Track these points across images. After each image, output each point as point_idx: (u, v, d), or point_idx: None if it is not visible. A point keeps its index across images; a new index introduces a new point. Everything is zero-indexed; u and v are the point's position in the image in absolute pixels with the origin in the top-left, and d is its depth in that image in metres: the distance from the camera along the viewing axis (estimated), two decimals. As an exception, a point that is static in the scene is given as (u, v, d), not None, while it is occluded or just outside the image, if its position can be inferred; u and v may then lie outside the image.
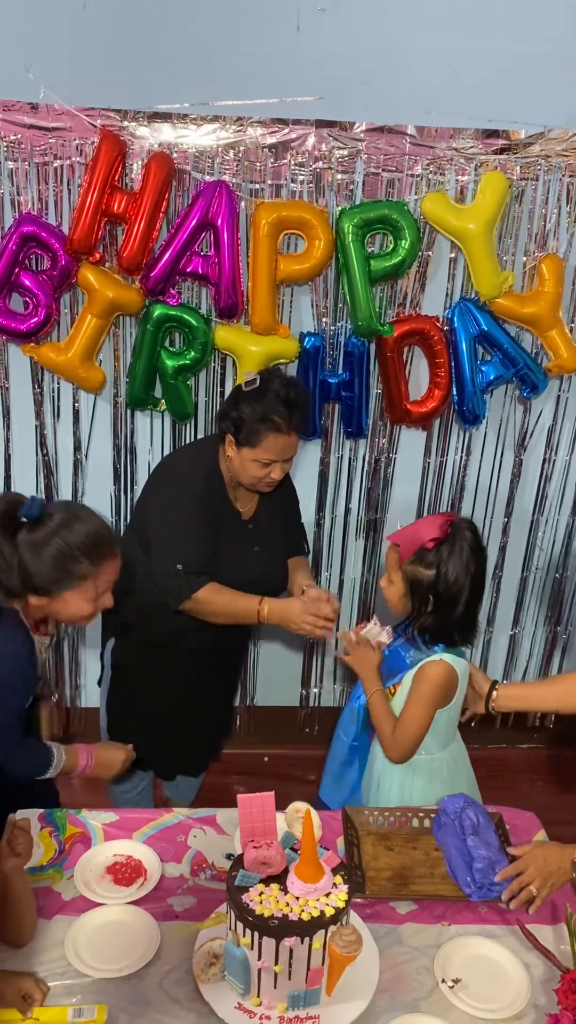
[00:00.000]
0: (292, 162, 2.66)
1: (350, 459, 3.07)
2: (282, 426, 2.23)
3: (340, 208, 2.69)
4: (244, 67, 2.58)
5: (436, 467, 3.11)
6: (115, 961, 1.68)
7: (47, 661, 2.11)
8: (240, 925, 1.54)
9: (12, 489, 2.99)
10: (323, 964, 1.57)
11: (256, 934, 1.52)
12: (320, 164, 2.67)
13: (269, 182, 2.68)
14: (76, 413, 2.92)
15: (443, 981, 1.67)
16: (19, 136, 2.57)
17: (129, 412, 2.93)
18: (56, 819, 2.03)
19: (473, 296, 2.83)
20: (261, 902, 1.55)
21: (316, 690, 3.44)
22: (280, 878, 1.59)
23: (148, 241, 2.63)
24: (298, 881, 1.56)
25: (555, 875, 1.81)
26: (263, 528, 2.45)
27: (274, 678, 3.39)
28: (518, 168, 2.71)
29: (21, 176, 2.61)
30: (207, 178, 2.65)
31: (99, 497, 3.00)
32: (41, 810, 2.05)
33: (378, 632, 2.24)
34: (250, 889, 1.57)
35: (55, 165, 2.61)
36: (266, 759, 3.42)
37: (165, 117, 2.59)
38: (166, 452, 2.95)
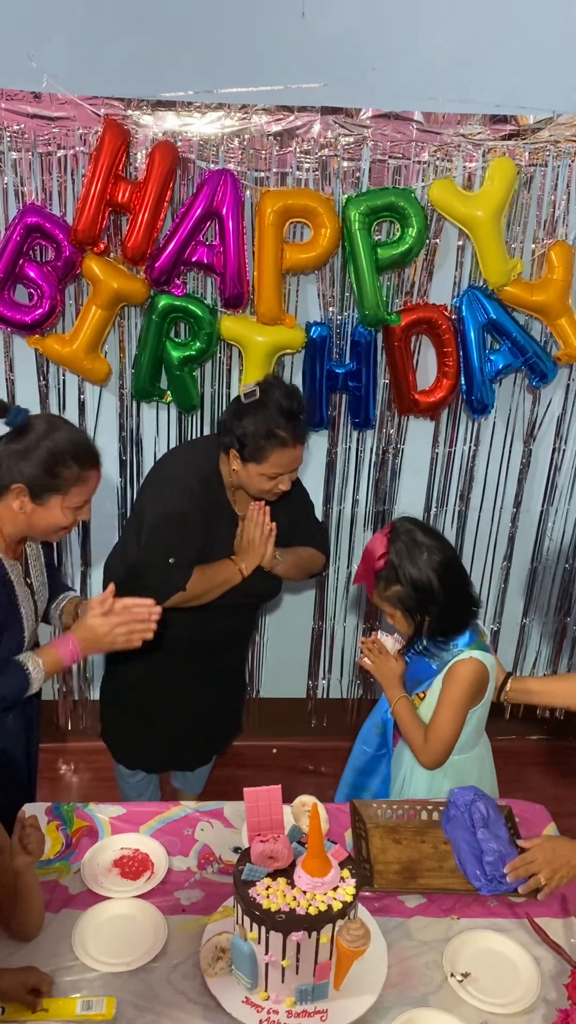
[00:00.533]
0: (297, 150, 2.63)
1: (357, 450, 3.05)
2: (287, 440, 2.21)
3: (346, 196, 2.67)
4: (248, 54, 2.55)
5: (444, 457, 3.09)
6: (122, 955, 1.68)
7: (32, 588, 2.04)
8: (247, 919, 1.54)
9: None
10: (331, 958, 1.56)
11: (263, 928, 1.51)
12: (326, 151, 2.64)
13: (274, 170, 2.65)
14: (82, 405, 2.90)
15: (452, 975, 1.67)
16: (22, 126, 2.55)
17: (135, 404, 2.91)
18: (63, 813, 2.03)
19: (481, 284, 2.80)
20: (268, 896, 1.54)
21: (324, 682, 3.43)
22: (287, 872, 1.59)
23: (153, 231, 2.61)
24: (305, 875, 1.55)
25: (564, 868, 1.80)
26: None
27: (281, 670, 3.39)
28: (526, 154, 2.68)
29: (24, 166, 2.60)
30: (212, 167, 2.62)
31: (105, 489, 2.94)
32: (48, 804, 2.05)
33: (392, 643, 2.23)
34: (257, 883, 1.57)
35: (59, 155, 2.59)
36: (274, 751, 3.42)
37: (169, 105, 2.57)
38: (172, 444, 2.94)
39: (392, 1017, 1.58)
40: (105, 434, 2.94)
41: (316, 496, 3.04)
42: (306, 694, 3.45)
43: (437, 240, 2.76)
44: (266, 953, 1.53)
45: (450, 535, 3.20)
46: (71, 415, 2.90)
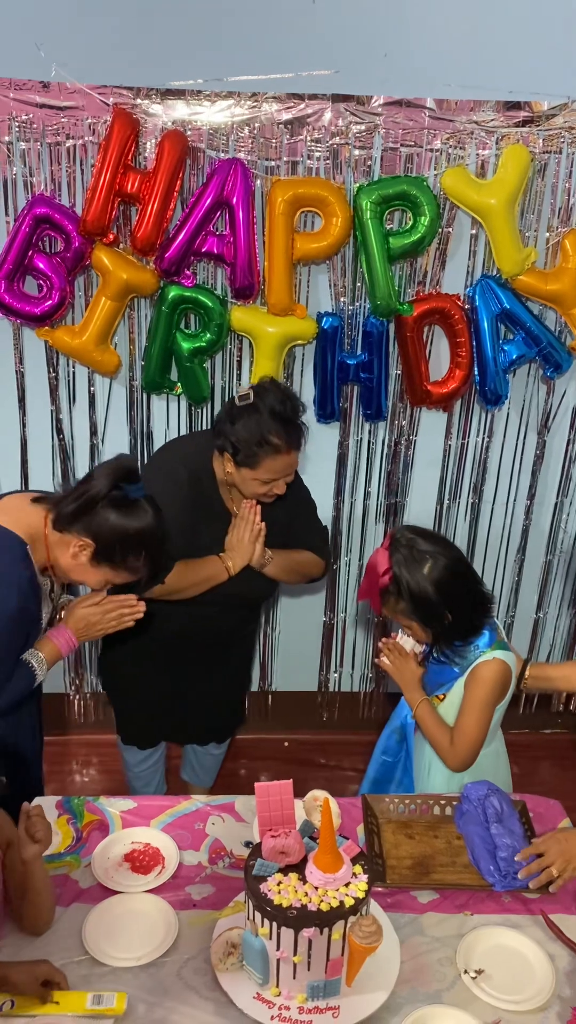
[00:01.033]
0: (308, 138, 2.61)
1: (369, 442, 3.03)
2: (280, 447, 2.18)
3: (358, 185, 2.64)
4: (258, 41, 2.52)
5: (457, 449, 3.06)
6: (133, 950, 1.67)
7: (55, 606, 2.10)
8: (258, 915, 1.53)
9: (29, 474, 2.98)
10: (343, 955, 1.55)
11: (274, 924, 1.50)
12: (337, 140, 2.61)
13: (285, 159, 2.62)
14: (92, 397, 2.89)
15: (465, 972, 1.65)
16: (31, 116, 2.53)
17: (145, 396, 2.90)
18: (74, 806, 2.02)
19: (495, 273, 2.77)
20: (279, 892, 1.53)
21: (335, 675, 3.41)
22: (299, 867, 1.58)
23: (162, 221, 2.59)
24: (317, 871, 1.54)
25: None
26: None
27: (293, 663, 3.37)
28: (541, 141, 2.64)
29: (33, 157, 2.58)
30: (222, 156, 2.60)
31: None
32: (59, 797, 2.04)
33: (411, 643, 2.21)
34: (268, 879, 1.55)
35: (67, 145, 2.57)
36: (286, 744, 3.41)
37: (178, 94, 2.55)
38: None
39: (405, 1014, 1.57)
40: (115, 426, 2.93)
41: (327, 489, 3.04)
42: (318, 687, 3.44)
43: (450, 229, 2.73)
44: (277, 949, 1.52)
45: (463, 528, 3.18)
46: (81, 407, 2.89)
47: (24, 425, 2.91)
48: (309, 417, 2.94)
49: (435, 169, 2.66)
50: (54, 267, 2.64)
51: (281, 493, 2.28)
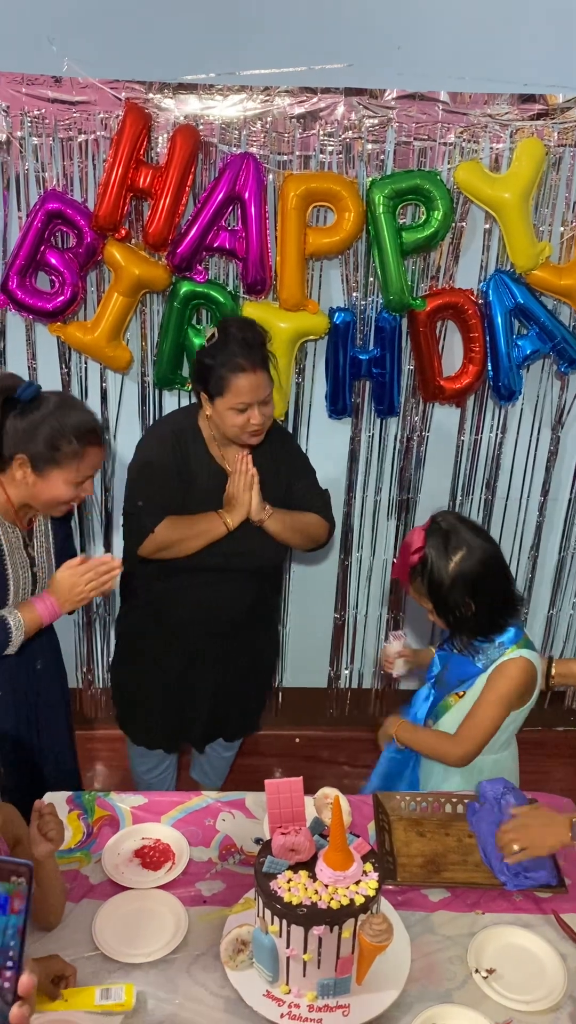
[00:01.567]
0: (321, 132, 2.59)
1: (381, 438, 3.02)
2: (245, 365, 2.20)
3: (371, 179, 2.63)
4: (271, 35, 2.51)
5: (470, 445, 3.04)
6: (143, 946, 1.67)
7: (33, 559, 2.08)
8: (268, 913, 1.52)
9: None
10: (353, 953, 1.54)
11: (284, 922, 1.49)
12: (350, 134, 2.60)
13: (297, 153, 2.61)
14: (104, 393, 2.89)
15: (476, 971, 1.64)
16: (43, 111, 2.53)
17: (157, 392, 2.90)
18: (84, 802, 2.02)
19: (508, 268, 2.75)
20: (289, 889, 1.52)
21: (346, 671, 3.41)
22: (309, 865, 1.56)
23: (174, 216, 2.58)
24: (327, 868, 1.53)
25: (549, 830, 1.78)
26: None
27: (303, 659, 3.37)
28: (555, 134, 2.62)
29: (45, 152, 2.58)
30: (234, 150, 2.59)
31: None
32: (69, 792, 2.04)
33: (397, 645, 2.23)
34: (278, 876, 1.55)
35: (79, 140, 2.57)
36: (297, 740, 3.41)
37: (190, 88, 2.54)
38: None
39: (415, 1013, 1.56)
40: (127, 422, 2.93)
41: (339, 485, 3.03)
42: (328, 684, 3.43)
43: (463, 223, 2.71)
44: (287, 947, 1.52)
45: (476, 524, 3.16)
46: (93, 403, 2.89)
47: (36, 421, 2.91)
48: (321, 412, 2.94)
49: (449, 163, 2.64)
50: (66, 262, 2.64)
51: (259, 423, 2.26)
